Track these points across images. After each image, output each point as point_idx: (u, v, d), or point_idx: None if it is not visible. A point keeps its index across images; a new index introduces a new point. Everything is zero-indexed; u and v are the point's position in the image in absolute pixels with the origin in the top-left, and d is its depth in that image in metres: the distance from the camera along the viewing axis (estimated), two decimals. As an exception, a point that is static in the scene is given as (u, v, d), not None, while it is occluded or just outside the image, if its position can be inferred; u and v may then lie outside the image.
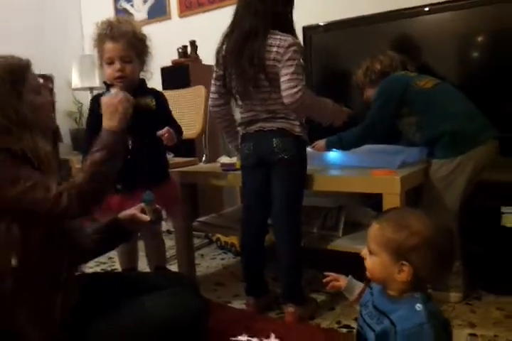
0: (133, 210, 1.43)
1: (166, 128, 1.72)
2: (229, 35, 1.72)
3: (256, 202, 1.81)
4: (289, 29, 1.70)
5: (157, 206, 1.41)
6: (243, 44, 1.65)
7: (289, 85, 1.61)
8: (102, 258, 2.62)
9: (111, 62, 1.72)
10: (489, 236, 1.89)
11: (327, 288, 1.22)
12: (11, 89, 1.17)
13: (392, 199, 1.57)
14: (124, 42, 1.70)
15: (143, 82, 1.84)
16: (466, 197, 1.83)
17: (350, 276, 1.20)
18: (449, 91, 1.89)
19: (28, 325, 1.16)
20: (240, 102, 1.77)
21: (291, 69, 1.61)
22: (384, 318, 0.98)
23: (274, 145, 1.68)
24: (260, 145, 1.73)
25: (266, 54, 1.62)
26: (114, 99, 1.40)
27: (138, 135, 1.74)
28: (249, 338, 1.49)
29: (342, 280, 1.20)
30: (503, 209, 1.86)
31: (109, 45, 1.70)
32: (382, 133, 1.92)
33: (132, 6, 3.72)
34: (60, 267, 1.23)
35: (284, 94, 1.63)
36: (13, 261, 1.12)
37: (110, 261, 2.58)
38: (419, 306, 0.94)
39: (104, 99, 1.42)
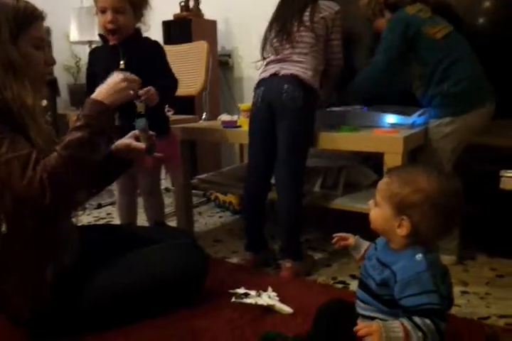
0: (128, 139, 1.38)
1: (145, 89, 1.52)
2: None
3: (263, 154, 1.81)
4: None
5: (151, 132, 1.38)
6: (292, 12, 1.79)
7: (339, 50, 1.87)
8: (101, 214, 2.64)
9: (103, 11, 1.67)
10: (486, 199, 1.90)
11: (336, 246, 1.24)
12: (9, 30, 1.10)
13: (393, 158, 1.56)
14: None
15: (138, 31, 1.78)
16: (462, 160, 1.82)
17: (357, 236, 1.23)
18: (458, 46, 1.79)
19: (15, 290, 1.15)
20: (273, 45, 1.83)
21: (339, 36, 1.84)
22: (385, 269, 1.01)
23: (284, 90, 1.68)
24: (270, 90, 1.74)
25: (315, 13, 1.77)
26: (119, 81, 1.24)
27: None
28: (247, 291, 1.52)
29: (350, 239, 1.22)
30: (502, 172, 1.86)
31: None
32: (389, 78, 1.86)
33: (132, -44, 3.59)
34: (54, 231, 1.20)
35: (336, 56, 1.87)
36: (3, 227, 1.09)
37: (109, 217, 2.60)
38: (419, 256, 0.97)
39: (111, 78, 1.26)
